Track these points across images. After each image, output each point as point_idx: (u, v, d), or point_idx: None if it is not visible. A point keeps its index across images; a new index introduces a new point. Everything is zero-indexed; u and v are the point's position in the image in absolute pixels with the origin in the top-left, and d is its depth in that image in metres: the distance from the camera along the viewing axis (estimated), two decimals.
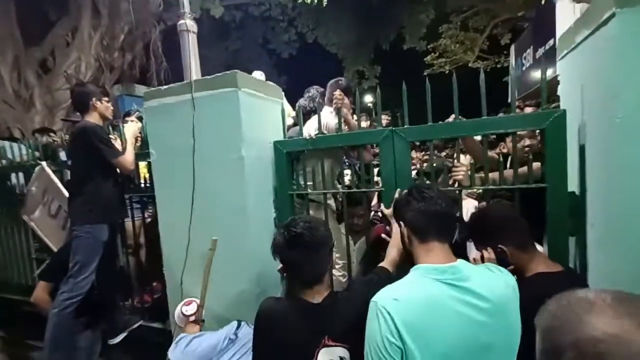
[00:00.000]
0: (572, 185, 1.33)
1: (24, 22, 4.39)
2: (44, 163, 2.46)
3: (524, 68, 5.00)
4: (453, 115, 1.40)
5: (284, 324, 1.04)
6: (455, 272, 0.92)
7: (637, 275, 1.04)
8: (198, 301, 1.58)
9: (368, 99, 14.40)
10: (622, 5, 0.97)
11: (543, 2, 3.67)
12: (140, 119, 2.42)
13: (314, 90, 2.35)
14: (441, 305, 0.88)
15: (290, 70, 10.71)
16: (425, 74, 9.99)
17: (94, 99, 1.98)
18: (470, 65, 9.69)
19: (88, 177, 1.89)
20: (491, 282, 0.93)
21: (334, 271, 2.07)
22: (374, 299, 0.91)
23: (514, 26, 8.42)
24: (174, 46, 2.73)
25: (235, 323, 1.43)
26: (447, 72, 9.87)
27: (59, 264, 1.99)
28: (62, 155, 2.55)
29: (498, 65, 9.48)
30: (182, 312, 1.54)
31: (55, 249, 2.44)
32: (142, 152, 2.07)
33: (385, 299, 0.88)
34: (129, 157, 1.93)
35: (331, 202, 2.09)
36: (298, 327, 1.02)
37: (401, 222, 1.08)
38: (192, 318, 1.54)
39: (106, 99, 2.02)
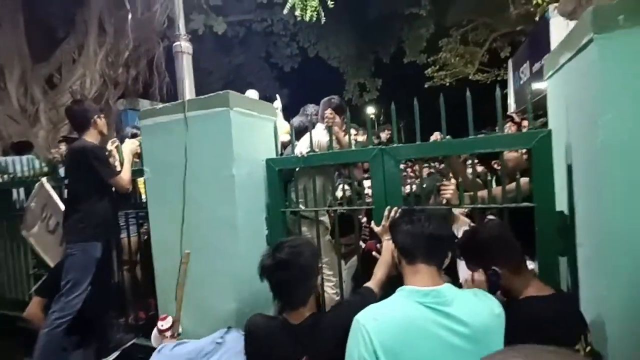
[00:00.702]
0: (561, 205, 1.33)
1: (32, 38, 4.54)
2: (43, 179, 2.51)
3: (521, 82, 5.03)
4: (436, 133, 1.42)
5: (268, 341, 1.09)
6: (438, 295, 0.93)
7: (624, 295, 1.02)
8: (173, 316, 1.58)
9: (370, 110, 14.53)
10: (600, 31, 0.98)
11: (537, 18, 3.73)
12: (134, 135, 2.47)
13: (310, 108, 2.39)
14: (420, 328, 0.88)
15: (292, 84, 10.88)
16: (425, 86, 10.09)
17: (94, 117, 2.02)
18: (470, 77, 9.78)
19: (84, 195, 1.92)
20: (474, 308, 0.93)
21: (327, 288, 2.05)
22: (357, 316, 0.93)
23: (512, 40, 8.52)
24: None
25: (224, 329, 1.43)
26: (447, 84, 9.96)
27: (55, 281, 2.00)
28: (62, 172, 2.59)
29: (498, 78, 9.54)
30: (157, 327, 1.54)
31: (52, 265, 2.45)
32: (139, 169, 2.10)
33: (366, 317, 0.91)
34: (125, 176, 1.96)
35: (325, 218, 2.09)
36: (279, 345, 1.06)
37: (393, 242, 1.10)
38: (168, 333, 1.53)
39: (103, 115, 2.07)
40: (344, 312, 1.10)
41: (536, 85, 3.88)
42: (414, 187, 1.74)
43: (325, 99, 2.16)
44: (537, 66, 4.26)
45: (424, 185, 1.58)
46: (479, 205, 1.42)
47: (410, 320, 0.89)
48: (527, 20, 6.38)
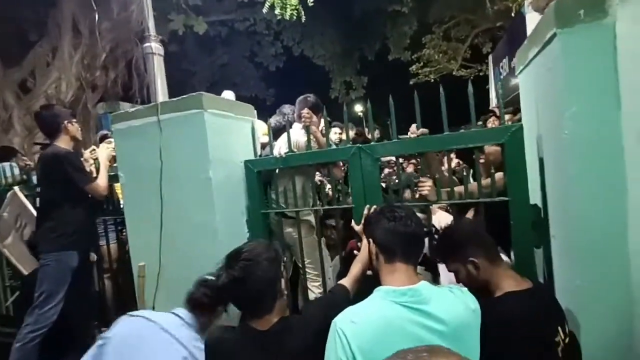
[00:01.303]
0: (535, 198, 1.35)
1: (3, 43, 4.37)
2: (16, 188, 2.42)
3: (501, 77, 5.12)
4: (413, 126, 1.42)
5: (230, 353, 1.02)
6: (415, 294, 0.92)
7: (596, 285, 1.04)
8: None
9: (358, 108, 14.58)
10: (562, 25, 1.00)
11: (514, 13, 3.78)
12: (104, 137, 2.41)
13: (286, 108, 2.37)
14: (398, 328, 0.88)
15: (277, 83, 10.79)
16: (410, 83, 10.18)
17: (65, 122, 1.95)
18: (454, 73, 9.91)
19: (57, 203, 1.85)
20: (451, 305, 0.93)
21: (313, 288, 2.05)
22: (335, 319, 0.92)
23: (493, 35, 8.67)
24: None
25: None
26: (432, 80, 10.07)
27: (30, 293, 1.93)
28: (35, 179, 2.50)
29: (481, 74, 9.70)
30: None
31: (25, 272, 2.36)
32: (115, 174, 2.04)
33: (343, 320, 0.90)
34: (102, 182, 1.91)
35: (310, 217, 2.08)
36: (244, 355, 1.01)
37: (370, 239, 1.08)
38: None
39: (74, 120, 2.00)
40: (313, 312, 1.09)
41: (514, 81, 3.95)
42: (390, 183, 1.75)
43: (301, 97, 2.13)
44: (515, 61, 4.35)
45: (397, 181, 1.58)
46: (456, 201, 1.43)
47: (388, 321, 0.88)
48: (505, 16, 6.49)
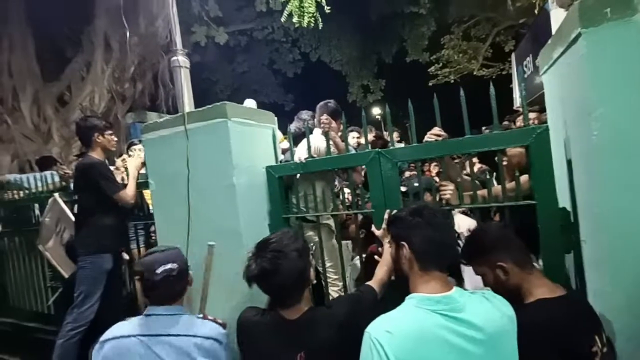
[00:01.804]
0: (564, 201, 1.31)
1: (43, 59, 4.73)
2: (56, 194, 2.60)
3: (525, 75, 4.95)
4: (435, 129, 1.40)
5: (260, 336, 1.08)
6: (450, 302, 0.90)
7: (627, 291, 1.00)
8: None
9: (375, 111, 14.50)
10: (587, 25, 0.97)
11: (537, 10, 3.67)
12: (131, 145, 2.54)
13: (304, 114, 2.41)
14: (435, 337, 0.85)
15: (295, 89, 10.97)
16: (430, 84, 10.03)
17: (96, 134, 2.09)
18: (475, 73, 9.68)
19: (91, 209, 1.98)
20: (487, 312, 0.91)
21: (332, 293, 2.06)
22: (367, 329, 0.88)
23: (516, 33, 8.41)
24: None
25: None
26: (452, 81, 9.88)
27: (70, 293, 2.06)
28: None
29: (504, 72, 9.42)
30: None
31: (66, 275, 2.53)
32: (145, 181, 2.16)
33: (378, 330, 0.86)
34: (129, 191, 2.02)
35: (330, 221, 2.10)
36: (273, 341, 1.05)
37: (403, 243, 1.01)
38: None
39: (109, 132, 2.13)
40: (342, 306, 1.11)
41: (539, 79, 3.82)
42: (410, 186, 1.74)
43: (322, 103, 2.17)
44: (539, 59, 4.20)
45: (416, 185, 1.57)
46: (480, 205, 1.41)
47: (424, 330, 0.86)
48: (528, 13, 6.30)
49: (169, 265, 1.24)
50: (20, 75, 4.33)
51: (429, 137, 1.42)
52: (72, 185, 2.69)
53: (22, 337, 2.94)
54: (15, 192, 2.97)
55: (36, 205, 2.87)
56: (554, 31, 3.63)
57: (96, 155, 2.07)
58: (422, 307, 0.90)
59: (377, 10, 7.84)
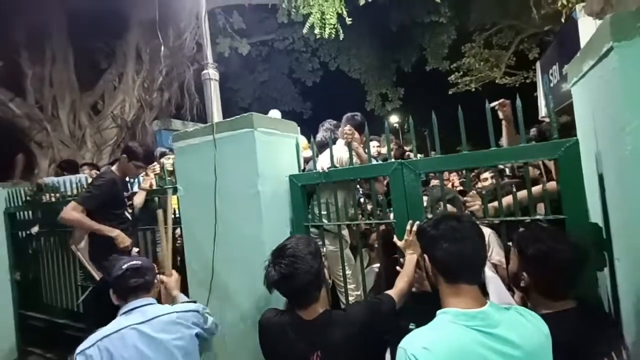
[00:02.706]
0: (595, 216, 1.27)
1: (80, 70, 5.06)
2: None
3: (551, 85, 4.81)
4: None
5: (278, 336, 1.13)
6: (485, 317, 0.88)
7: None
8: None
9: (393, 119, 14.43)
10: (620, 38, 0.96)
11: (564, 19, 3.59)
12: (163, 154, 2.67)
13: (327, 124, 2.45)
14: (472, 354, 0.84)
15: (314, 97, 11.12)
16: (449, 93, 9.91)
17: (124, 157, 2.30)
18: (497, 81, 9.48)
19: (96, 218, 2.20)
20: (523, 328, 0.89)
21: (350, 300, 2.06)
22: (402, 344, 0.87)
23: (541, 40, 8.20)
24: None
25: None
26: (473, 89, 9.72)
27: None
28: None
29: (527, 81, 9.18)
30: None
31: (97, 277, 2.65)
32: (173, 187, 2.25)
33: (415, 347, 0.84)
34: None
35: (345, 232, 2.11)
36: (290, 340, 1.10)
37: (425, 256, 1.02)
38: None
39: (138, 163, 2.28)
40: (358, 310, 1.14)
41: (565, 88, 3.71)
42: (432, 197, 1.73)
43: (349, 115, 2.22)
44: (567, 68, 4.07)
45: (433, 196, 1.56)
46: (507, 218, 1.39)
47: (461, 347, 0.84)
48: (554, 21, 6.13)
49: (133, 261, 1.42)
50: (60, 85, 4.67)
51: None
52: None
53: (54, 334, 3.09)
54: (52, 194, 3.16)
55: None
56: (581, 40, 3.56)
57: (114, 169, 2.24)
58: (457, 322, 0.88)
59: (397, 20, 7.87)
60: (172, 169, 2.80)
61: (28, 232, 3.36)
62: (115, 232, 2.18)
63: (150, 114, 5.51)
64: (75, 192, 2.98)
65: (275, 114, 2.90)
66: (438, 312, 0.93)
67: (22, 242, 3.47)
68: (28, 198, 3.41)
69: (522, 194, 1.39)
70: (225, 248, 1.80)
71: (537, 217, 1.33)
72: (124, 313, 1.33)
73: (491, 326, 0.86)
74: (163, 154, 3.14)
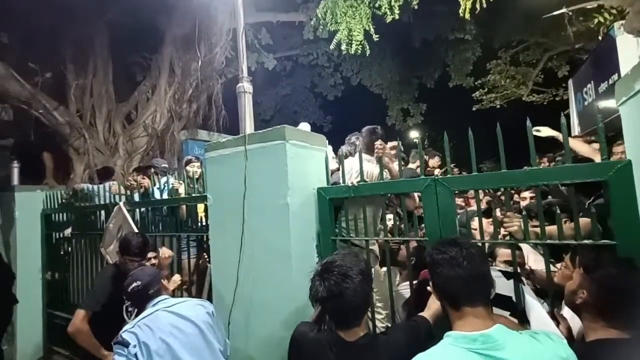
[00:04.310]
0: None
1: (117, 82, 5.37)
2: (121, 203, 2.85)
3: (585, 103, 4.63)
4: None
5: (315, 353, 1.08)
6: (487, 340, 0.87)
7: None
8: None
9: (413, 134, 14.31)
10: None
11: (601, 36, 3.48)
12: (189, 162, 2.73)
13: (354, 138, 2.45)
14: None
15: (335, 111, 11.26)
16: (474, 109, 9.75)
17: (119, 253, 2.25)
18: (524, 99, 9.26)
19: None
20: (532, 351, 0.85)
21: (377, 322, 1.99)
22: None
23: (571, 58, 7.99)
24: (232, 96, 3.11)
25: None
26: (497, 107, 9.52)
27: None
28: (137, 197, 2.92)
29: (557, 99, 8.91)
30: None
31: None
32: (202, 195, 2.30)
33: None
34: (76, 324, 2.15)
35: (375, 247, 2.07)
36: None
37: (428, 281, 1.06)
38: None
39: (132, 258, 2.16)
40: (400, 334, 1.10)
41: (604, 106, 3.55)
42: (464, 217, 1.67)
43: (370, 128, 2.20)
44: (603, 86, 3.92)
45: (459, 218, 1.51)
46: (548, 242, 1.32)
47: None
48: (587, 38, 5.98)
49: (136, 281, 1.62)
50: (99, 96, 4.96)
51: None
52: (135, 196, 2.95)
53: None
54: (85, 199, 3.31)
55: (102, 212, 3.16)
56: (620, 58, 3.43)
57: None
58: (457, 345, 0.88)
59: (420, 36, 7.90)
60: (197, 176, 2.87)
61: (62, 233, 3.51)
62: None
63: (179, 124, 5.72)
64: (108, 199, 3.09)
65: (305, 127, 2.94)
66: (445, 335, 0.94)
67: (56, 243, 3.63)
68: (64, 201, 3.58)
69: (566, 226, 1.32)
70: (251, 259, 1.80)
71: (585, 241, 1.25)
72: (152, 305, 1.55)
73: (493, 349, 0.84)
74: (189, 162, 3.23)
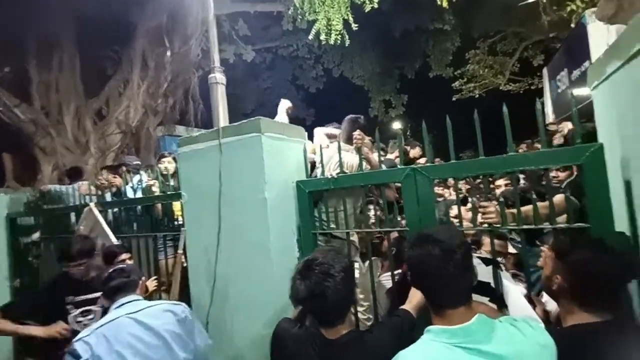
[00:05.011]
0: (621, 225, 1.20)
1: (86, 77, 5.09)
2: (92, 204, 2.70)
3: (559, 90, 4.76)
4: None
5: (297, 350, 1.05)
6: (468, 333, 0.84)
7: None
8: None
9: (396, 126, 14.43)
10: None
11: (573, 24, 3.56)
12: (162, 157, 2.61)
13: (334, 129, 2.40)
14: None
15: (318, 103, 11.16)
16: (453, 99, 9.89)
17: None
18: (501, 88, 9.47)
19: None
20: (513, 340, 0.85)
21: (358, 314, 1.98)
22: None
23: (545, 47, 8.20)
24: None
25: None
26: (476, 96, 9.70)
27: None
28: (108, 197, 2.78)
29: (532, 87, 9.16)
30: None
31: None
32: (176, 193, 2.20)
33: None
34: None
35: (354, 238, 2.05)
36: (310, 358, 1.02)
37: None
38: None
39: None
40: (381, 334, 1.07)
41: (578, 93, 3.65)
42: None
43: (352, 117, 2.15)
44: (576, 73, 4.03)
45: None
46: (524, 227, 1.32)
47: None
48: (560, 27, 6.12)
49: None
50: (66, 91, 4.68)
51: None
52: (107, 196, 2.81)
53: (51, 344, 3.01)
54: (53, 201, 3.13)
55: (72, 214, 2.99)
56: (591, 45, 3.52)
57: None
58: (438, 340, 0.85)
59: (400, 27, 7.90)
60: (169, 172, 2.75)
61: (29, 238, 3.32)
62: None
63: (155, 119, 5.51)
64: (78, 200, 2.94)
65: (285, 104, 2.84)
66: (425, 330, 0.91)
67: (24, 248, 3.43)
68: (30, 204, 3.38)
69: (540, 204, 1.33)
70: (230, 256, 1.74)
71: (560, 225, 1.26)
72: (116, 307, 1.44)
73: (475, 342, 0.83)
74: (162, 157, 3.11)
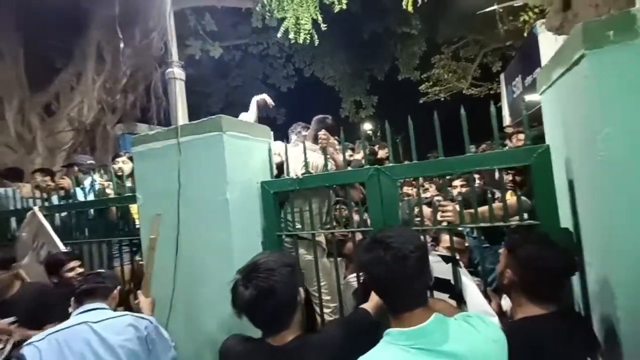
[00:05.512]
0: (566, 222, 1.28)
1: (31, 69, 4.62)
2: (35, 208, 2.46)
3: (514, 95, 5.10)
4: None
5: None
6: (425, 334, 0.83)
7: (636, 317, 0.96)
8: None
9: (367, 127, 14.70)
10: (590, 46, 0.98)
11: (526, 33, 3.81)
12: (131, 159, 2.43)
13: (300, 128, 2.38)
14: None
15: (289, 103, 11.03)
16: (420, 102, 10.26)
17: None
18: (464, 92, 9.97)
19: None
20: (469, 338, 0.85)
21: (325, 315, 1.97)
22: None
23: (503, 54, 8.75)
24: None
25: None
26: (442, 99, 10.15)
27: None
28: (55, 200, 2.55)
29: (492, 92, 9.73)
30: None
31: None
32: (132, 195, 2.06)
33: None
34: None
35: (321, 238, 2.03)
36: None
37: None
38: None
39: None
40: (332, 333, 1.03)
41: (529, 99, 3.92)
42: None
43: (320, 117, 2.14)
44: (529, 80, 4.34)
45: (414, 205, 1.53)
46: (482, 225, 1.38)
47: None
48: (515, 36, 6.56)
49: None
50: (7, 84, 4.21)
51: None
52: (54, 199, 2.57)
53: None
54: None
55: (13, 219, 2.71)
56: (542, 53, 3.79)
57: None
58: (396, 343, 0.84)
59: (370, 29, 8.05)
60: (124, 173, 2.59)
61: None
62: None
63: (113, 117, 5.14)
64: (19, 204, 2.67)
65: (258, 97, 2.73)
66: (384, 333, 0.88)
67: None
68: None
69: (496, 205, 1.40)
70: (190, 262, 1.65)
71: (513, 223, 1.33)
72: (79, 313, 1.37)
73: (431, 343, 0.82)
74: (116, 156, 2.91)
